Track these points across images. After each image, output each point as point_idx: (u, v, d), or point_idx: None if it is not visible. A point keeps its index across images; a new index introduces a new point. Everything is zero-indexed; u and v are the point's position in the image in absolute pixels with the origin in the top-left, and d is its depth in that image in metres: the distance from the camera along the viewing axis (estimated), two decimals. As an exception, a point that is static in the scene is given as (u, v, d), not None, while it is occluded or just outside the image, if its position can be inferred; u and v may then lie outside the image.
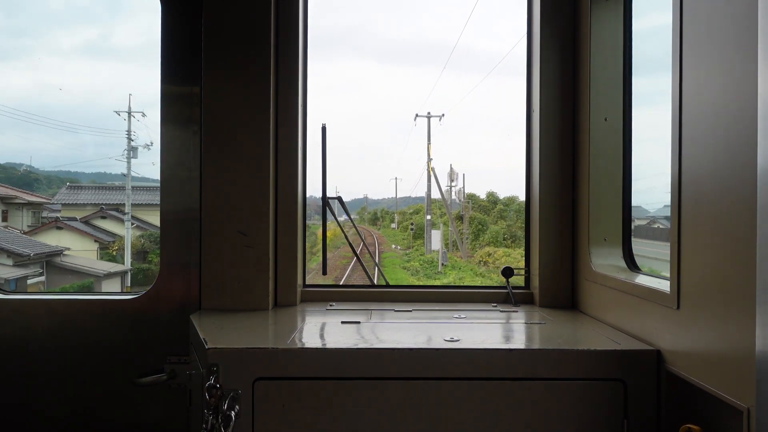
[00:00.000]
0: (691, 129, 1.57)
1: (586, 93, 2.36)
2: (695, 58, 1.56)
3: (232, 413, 1.71)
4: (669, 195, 1.68)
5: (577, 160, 2.48)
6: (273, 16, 2.46)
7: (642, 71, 2.35)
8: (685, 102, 1.60)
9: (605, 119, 2.34)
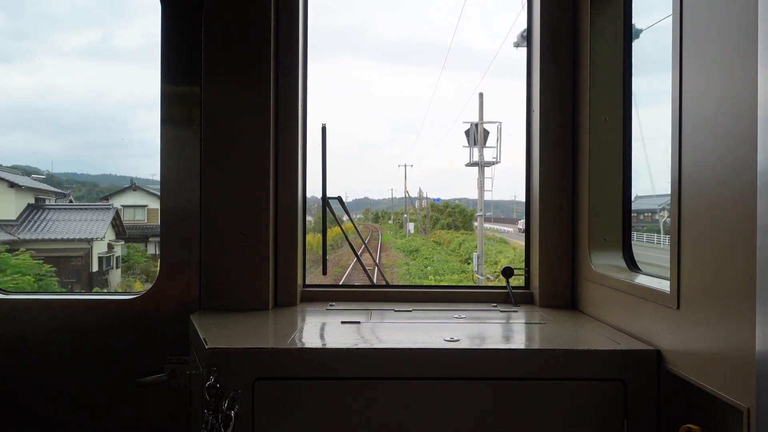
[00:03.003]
0: (691, 129, 1.57)
1: (586, 93, 2.36)
2: (695, 58, 1.56)
3: (232, 413, 1.71)
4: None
5: (577, 160, 2.48)
6: (273, 15, 2.46)
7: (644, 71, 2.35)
8: (685, 102, 1.60)
9: (605, 119, 2.34)
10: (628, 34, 2.34)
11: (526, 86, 2.71)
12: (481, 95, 16.62)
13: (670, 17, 1.68)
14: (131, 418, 2.51)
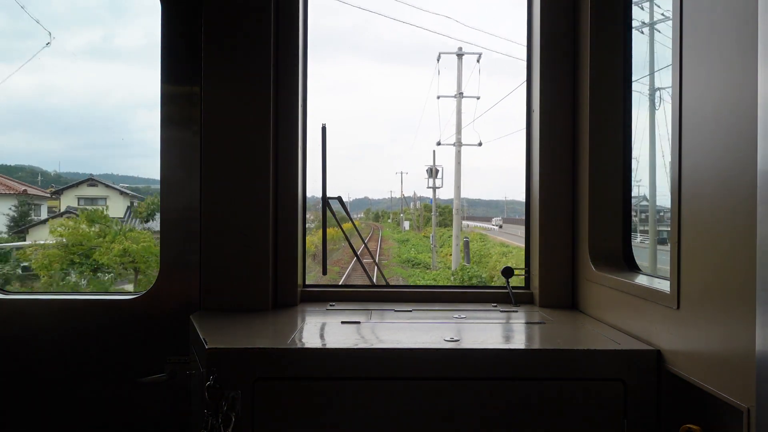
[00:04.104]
0: (691, 129, 1.57)
1: (586, 93, 2.36)
2: (695, 58, 1.56)
3: (232, 413, 1.71)
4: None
5: (577, 160, 2.48)
6: (273, 16, 2.46)
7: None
8: (685, 102, 1.60)
9: (605, 119, 2.34)
10: (628, 33, 2.34)
11: (526, 86, 2.71)
12: (434, 152, 27.51)
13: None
14: (131, 418, 2.51)
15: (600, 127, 2.34)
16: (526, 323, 2.25)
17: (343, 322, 2.17)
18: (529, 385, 1.77)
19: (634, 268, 2.29)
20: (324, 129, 2.70)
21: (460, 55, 22.40)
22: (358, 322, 2.17)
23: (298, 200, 2.55)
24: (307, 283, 2.70)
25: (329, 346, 1.84)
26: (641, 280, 2.03)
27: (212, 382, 1.72)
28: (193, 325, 2.14)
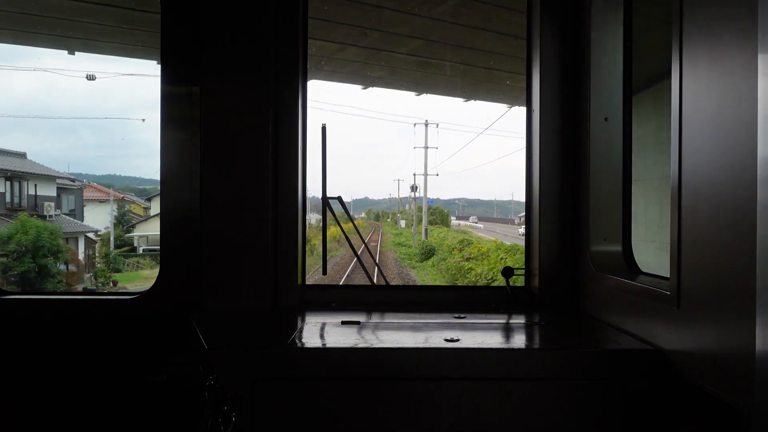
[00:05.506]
0: (691, 130, 1.57)
1: (586, 93, 2.36)
2: (695, 58, 1.56)
3: (232, 413, 1.71)
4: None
5: (577, 160, 2.48)
6: (273, 15, 2.46)
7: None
8: (685, 103, 1.60)
9: (605, 119, 2.34)
10: (628, 33, 2.34)
11: (526, 86, 2.71)
12: (414, 175, 34.31)
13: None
14: (131, 418, 2.51)
15: (600, 127, 2.34)
16: (526, 323, 2.25)
17: (343, 322, 2.17)
18: (529, 385, 1.77)
19: (635, 268, 2.29)
20: (324, 129, 2.70)
21: (426, 125, 34.72)
22: (358, 322, 2.17)
23: (298, 200, 2.55)
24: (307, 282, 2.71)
25: (329, 346, 1.84)
26: (641, 280, 2.03)
27: (212, 382, 1.72)
28: (193, 325, 2.14)
